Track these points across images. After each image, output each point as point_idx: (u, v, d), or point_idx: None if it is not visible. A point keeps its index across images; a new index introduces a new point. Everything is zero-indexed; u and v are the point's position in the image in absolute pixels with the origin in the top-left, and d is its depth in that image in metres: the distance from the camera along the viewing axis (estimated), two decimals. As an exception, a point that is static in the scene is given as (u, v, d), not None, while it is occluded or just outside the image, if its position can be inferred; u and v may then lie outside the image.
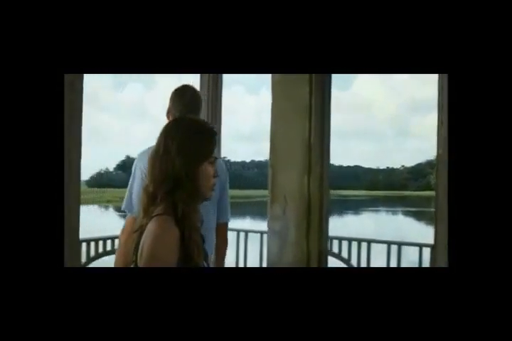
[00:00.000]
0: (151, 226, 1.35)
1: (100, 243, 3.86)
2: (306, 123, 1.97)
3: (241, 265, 4.86)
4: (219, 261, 2.98)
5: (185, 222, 1.38)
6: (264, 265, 3.86)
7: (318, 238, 1.99)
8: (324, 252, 1.99)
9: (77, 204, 2.20)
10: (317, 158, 1.99)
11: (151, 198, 1.43)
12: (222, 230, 2.90)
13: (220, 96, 4.79)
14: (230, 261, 4.94)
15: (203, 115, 4.83)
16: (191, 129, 1.50)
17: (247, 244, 4.78)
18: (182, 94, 2.78)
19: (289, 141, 2.03)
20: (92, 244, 3.81)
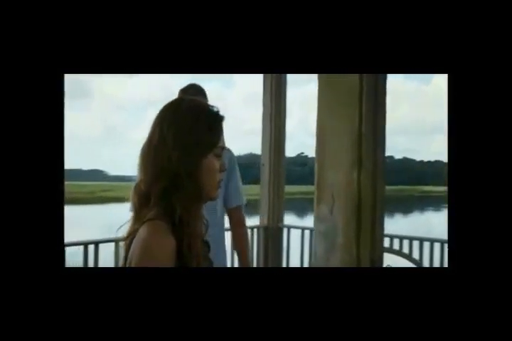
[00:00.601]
0: (141, 234, 1.13)
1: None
2: (355, 112, 1.75)
3: (305, 264, 4.69)
4: (243, 256, 2.76)
5: (183, 229, 1.14)
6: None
7: (370, 241, 1.76)
8: (377, 257, 1.77)
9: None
10: (369, 151, 1.76)
11: (142, 199, 1.19)
12: (234, 215, 2.83)
13: (285, 93, 4.73)
14: (295, 263, 4.82)
15: (267, 111, 4.74)
16: (193, 113, 1.22)
17: (312, 242, 4.61)
18: (185, 91, 2.85)
19: (337, 132, 1.81)
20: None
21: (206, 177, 1.22)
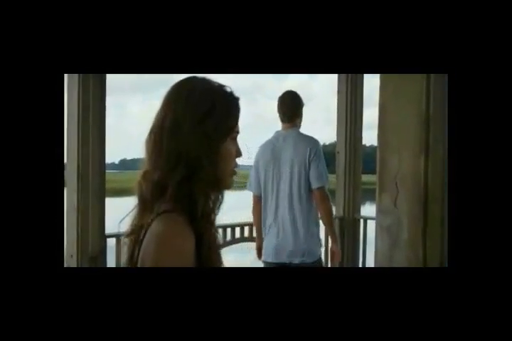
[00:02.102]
0: (156, 228, 0.97)
1: (237, 229, 4.17)
2: (422, 89, 1.52)
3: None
4: (330, 230, 3.48)
5: (203, 223, 1.00)
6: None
7: (439, 238, 1.54)
8: (447, 257, 1.53)
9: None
10: (438, 133, 1.53)
11: (155, 189, 1.03)
12: (317, 194, 3.27)
13: (361, 79, 4.56)
14: (372, 257, 4.57)
15: (342, 98, 4.54)
16: (209, 94, 1.07)
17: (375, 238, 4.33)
18: (283, 98, 3.36)
19: (401, 112, 1.59)
20: (229, 230, 4.12)
21: (224, 164, 1.08)
